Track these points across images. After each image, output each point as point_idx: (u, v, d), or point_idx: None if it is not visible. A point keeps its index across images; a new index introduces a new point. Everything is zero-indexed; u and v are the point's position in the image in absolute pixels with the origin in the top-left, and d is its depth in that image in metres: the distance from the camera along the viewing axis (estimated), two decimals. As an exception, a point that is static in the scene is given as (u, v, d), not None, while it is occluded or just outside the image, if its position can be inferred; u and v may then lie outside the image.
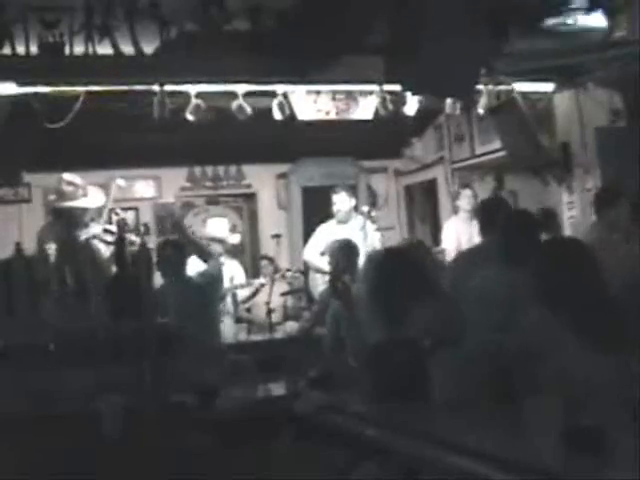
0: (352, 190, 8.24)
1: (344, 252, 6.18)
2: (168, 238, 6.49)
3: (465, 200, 8.19)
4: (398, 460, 2.89)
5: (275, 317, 7.68)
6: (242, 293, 8.06)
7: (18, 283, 5.13)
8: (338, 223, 7.60)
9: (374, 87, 7.16)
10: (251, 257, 9.62)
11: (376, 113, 7.30)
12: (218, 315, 6.67)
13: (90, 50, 5.99)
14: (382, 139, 9.04)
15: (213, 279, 6.29)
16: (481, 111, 7.50)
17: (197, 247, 6.49)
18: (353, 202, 7.78)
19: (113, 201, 6.86)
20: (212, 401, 4.04)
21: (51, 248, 6.06)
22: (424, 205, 10.01)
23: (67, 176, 6.54)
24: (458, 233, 8.00)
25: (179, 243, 6.29)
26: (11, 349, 4.79)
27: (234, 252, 8.28)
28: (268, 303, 7.39)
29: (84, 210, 6.49)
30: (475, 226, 8.03)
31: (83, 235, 6.39)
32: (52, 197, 6.71)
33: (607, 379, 2.89)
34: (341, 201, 7.66)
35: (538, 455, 2.51)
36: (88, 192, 6.55)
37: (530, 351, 3.16)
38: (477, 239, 7.84)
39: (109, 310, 5.21)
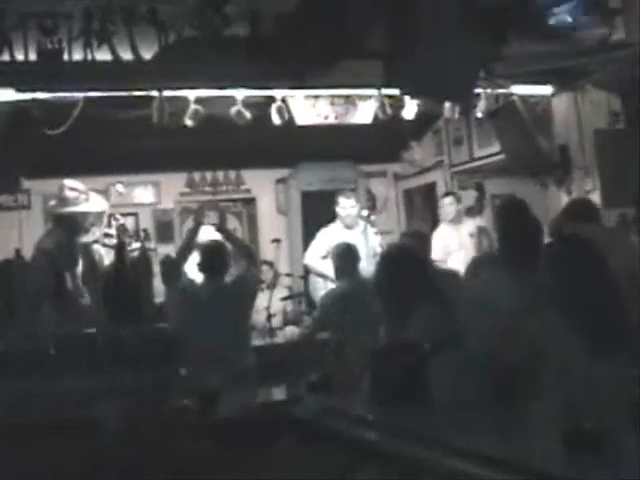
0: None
1: (346, 256, 6.19)
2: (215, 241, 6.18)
3: (446, 208, 8.18)
4: (398, 463, 2.89)
5: (275, 322, 7.69)
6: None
7: (18, 289, 5.13)
8: (346, 228, 7.59)
9: (373, 91, 7.17)
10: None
11: (375, 117, 7.30)
12: (250, 327, 6.34)
13: (89, 56, 6.00)
14: (381, 143, 9.04)
15: (252, 285, 6.08)
16: (480, 115, 7.51)
17: (244, 248, 6.35)
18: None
19: (112, 206, 6.86)
20: (213, 406, 4.03)
21: (51, 254, 6.06)
22: (423, 209, 10.01)
23: (68, 182, 6.55)
24: (445, 241, 8.00)
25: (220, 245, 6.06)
26: (11, 354, 4.80)
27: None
28: (268, 308, 7.39)
29: (85, 215, 6.50)
30: (463, 232, 8.07)
31: (83, 240, 6.39)
32: (52, 203, 6.72)
33: (610, 382, 2.89)
34: (351, 206, 7.66)
35: (538, 457, 2.50)
36: (90, 197, 6.57)
37: (533, 354, 3.16)
38: (469, 244, 7.88)
39: (109, 315, 5.21)
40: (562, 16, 5.59)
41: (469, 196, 8.90)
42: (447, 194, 8.45)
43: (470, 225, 8.10)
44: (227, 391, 4.32)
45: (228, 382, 4.74)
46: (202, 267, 5.82)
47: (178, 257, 5.95)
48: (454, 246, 7.89)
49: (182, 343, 5.15)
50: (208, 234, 6.52)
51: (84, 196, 6.51)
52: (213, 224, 6.31)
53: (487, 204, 8.93)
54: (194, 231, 6.08)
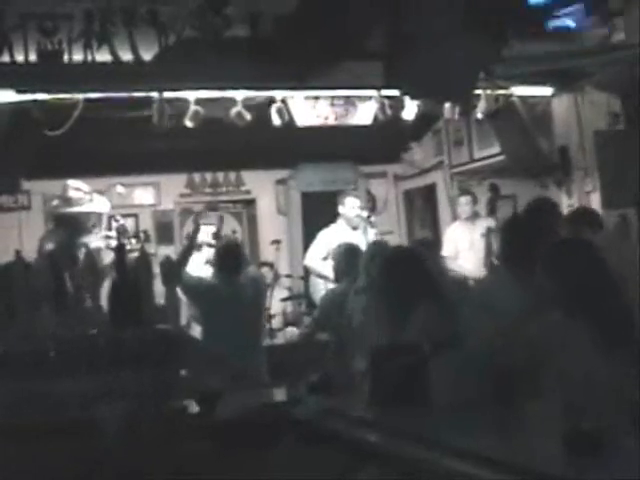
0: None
1: (348, 256, 6.18)
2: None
3: (463, 207, 8.18)
4: (398, 464, 2.89)
5: (275, 323, 7.70)
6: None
7: (18, 290, 5.13)
8: (352, 228, 7.59)
9: (373, 92, 7.17)
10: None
11: (375, 118, 7.31)
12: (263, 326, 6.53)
13: (89, 57, 6.00)
14: (381, 144, 9.04)
15: (262, 283, 6.26)
16: (480, 115, 7.51)
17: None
18: None
19: (112, 208, 6.86)
20: (214, 407, 4.03)
21: (52, 254, 6.06)
22: (423, 210, 10.01)
23: (73, 182, 6.55)
24: (455, 240, 7.99)
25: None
26: (11, 355, 4.79)
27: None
28: (268, 309, 7.40)
29: (88, 215, 6.50)
30: (476, 231, 8.07)
31: (84, 241, 6.39)
32: (55, 203, 6.71)
33: (610, 382, 2.89)
34: (357, 206, 7.67)
35: (538, 458, 2.50)
36: (94, 198, 6.57)
37: (533, 355, 3.16)
38: (479, 244, 7.88)
39: (109, 316, 5.21)
40: (562, 17, 5.59)
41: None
42: (464, 193, 8.44)
43: (484, 225, 8.10)
44: (237, 391, 4.34)
45: (239, 382, 4.76)
46: (218, 266, 5.86)
47: (179, 259, 5.98)
48: (465, 244, 7.90)
49: (184, 344, 5.15)
50: (207, 235, 6.59)
51: (88, 196, 6.51)
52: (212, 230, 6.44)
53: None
54: (193, 234, 6.15)
